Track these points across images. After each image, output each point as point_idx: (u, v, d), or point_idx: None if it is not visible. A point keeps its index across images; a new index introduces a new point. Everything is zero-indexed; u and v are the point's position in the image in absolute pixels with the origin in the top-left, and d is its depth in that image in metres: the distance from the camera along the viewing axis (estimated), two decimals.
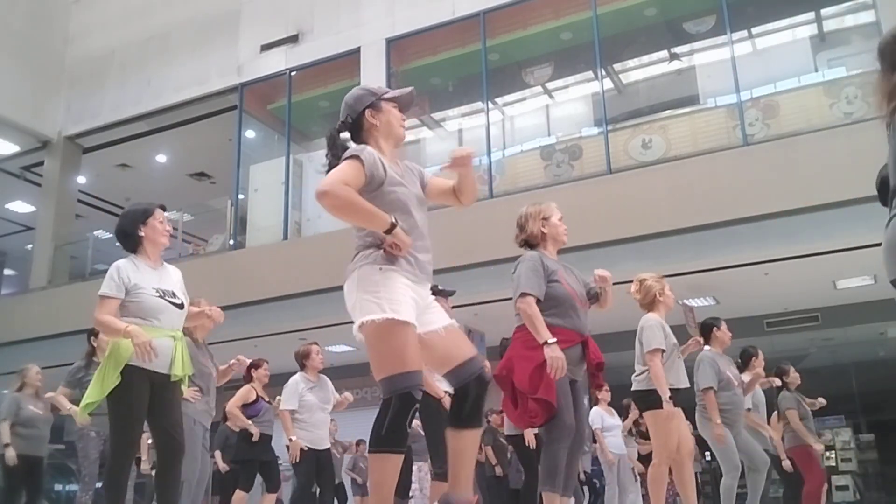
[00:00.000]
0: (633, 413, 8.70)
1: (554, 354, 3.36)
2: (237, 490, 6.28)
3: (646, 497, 8.62)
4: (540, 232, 3.75)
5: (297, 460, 5.69)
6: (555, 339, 3.40)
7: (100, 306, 3.40)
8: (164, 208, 3.74)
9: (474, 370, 2.58)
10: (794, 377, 6.63)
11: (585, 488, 9.60)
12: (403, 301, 2.48)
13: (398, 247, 2.50)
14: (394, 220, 2.49)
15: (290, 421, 5.71)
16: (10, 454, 6.08)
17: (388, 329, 2.43)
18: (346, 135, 2.73)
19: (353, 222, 2.60)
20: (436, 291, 3.25)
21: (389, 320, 2.43)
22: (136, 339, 3.27)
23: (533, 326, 3.47)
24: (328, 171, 2.63)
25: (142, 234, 3.61)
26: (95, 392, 3.36)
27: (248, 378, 6.44)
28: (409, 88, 2.80)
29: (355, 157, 2.55)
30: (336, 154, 2.67)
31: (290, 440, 5.66)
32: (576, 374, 3.60)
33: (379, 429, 2.41)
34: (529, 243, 3.78)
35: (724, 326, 5.54)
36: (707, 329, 5.55)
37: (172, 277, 3.68)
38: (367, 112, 2.72)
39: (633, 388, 4.76)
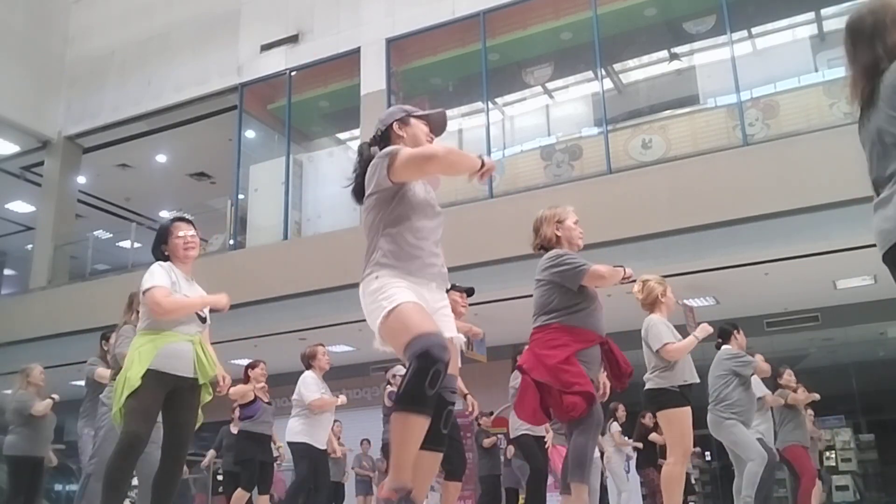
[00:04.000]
0: (620, 415, 8.77)
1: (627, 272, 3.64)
2: (238, 489, 6.31)
3: (646, 497, 8.63)
4: (554, 235, 3.76)
5: (309, 450, 5.76)
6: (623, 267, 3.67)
7: (160, 295, 3.41)
8: (184, 220, 3.76)
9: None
10: (787, 379, 6.73)
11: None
12: (403, 289, 2.54)
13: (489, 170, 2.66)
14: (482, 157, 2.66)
15: (323, 401, 5.89)
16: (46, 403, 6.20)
17: (394, 315, 2.50)
18: (375, 149, 2.82)
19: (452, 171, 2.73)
20: (452, 287, 3.30)
21: (391, 310, 2.49)
22: (222, 301, 3.59)
23: (610, 273, 3.59)
24: (355, 184, 2.79)
25: (166, 253, 3.70)
26: (122, 398, 3.38)
27: (246, 378, 6.47)
28: (441, 110, 2.87)
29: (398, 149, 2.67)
30: (362, 165, 2.79)
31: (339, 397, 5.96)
32: (594, 374, 3.63)
33: (399, 391, 2.44)
34: (545, 247, 3.79)
35: (741, 332, 5.76)
36: (727, 334, 5.75)
37: (198, 293, 3.73)
38: (395, 124, 2.81)
39: (645, 388, 4.77)
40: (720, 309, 9.61)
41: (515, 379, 4.86)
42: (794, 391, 6.73)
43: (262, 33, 11.72)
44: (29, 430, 6.26)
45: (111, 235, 14.18)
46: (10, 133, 13.06)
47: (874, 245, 1.81)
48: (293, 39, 11.44)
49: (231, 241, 11.35)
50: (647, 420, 8.52)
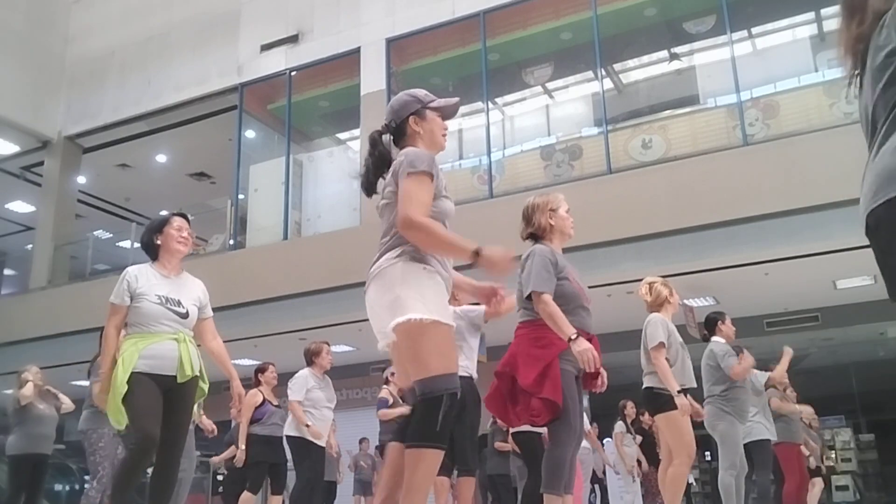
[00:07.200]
0: (630, 412, 8.73)
1: (581, 348, 3.24)
2: (245, 491, 6.28)
3: (645, 497, 8.63)
4: (548, 224, 3.61)
5: (308, 446, 5.74)
6: (577, 333, 3.28)
7: (109, 314, 3.53)
8: (183, 216, 3.76)
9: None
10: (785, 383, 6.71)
11: (597, 487, 9.61)
12: (437, 297, 2.50)
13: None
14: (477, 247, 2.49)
15: (300, 409, 5.81)
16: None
17: (427, 330, 2.41)
18: (387, 137, 2.72)
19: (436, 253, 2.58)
20: None
21: (426, 322, 2.40)
22: (104, 383, 3.44)
23: (555, 324, 3.34)
24: (366, 173, 2.68)
25: (158, 242, 3.67)
26: (113, 405, 3.38)
27: (256, 382, 6.47)
28: (455, 100, 2.76)
29: (425, 172, 2.52)
30: (375, 156, 2.68)
31: (308, 426, 5.77)
32: (580, 371, 3.54)
33: (414, 428, 2.40)
34: (536, 236, 3.65)
35: (728, 321, 5.57)
36: (711, 323, 5.60)
37: (188, 287, 3.69)
38: (412, 119, 2.68)
39: (644, 387, 4.75)
40: (720, 309, 9.59)
41: None
42: (784, 391, 6.71)
43: (262, 33, 11.73)
44: (29, 428, 6.27)
45: (111, 235, 14.19)
46: (10, 133, 13.06)
47: None
48: (293, 39, 11.44)
49: (231, 241, 11.35)
50: (646, 419, 8.51)
